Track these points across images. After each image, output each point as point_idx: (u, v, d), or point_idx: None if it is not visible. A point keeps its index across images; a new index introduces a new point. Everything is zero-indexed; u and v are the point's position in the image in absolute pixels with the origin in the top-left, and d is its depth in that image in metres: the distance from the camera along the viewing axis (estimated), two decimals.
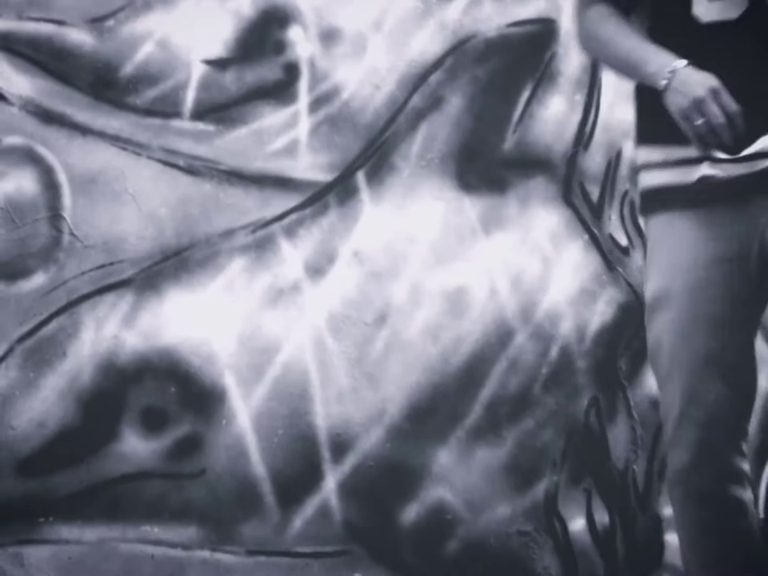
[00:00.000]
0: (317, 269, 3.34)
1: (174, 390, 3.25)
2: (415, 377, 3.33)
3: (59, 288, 3.23)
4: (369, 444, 3.30)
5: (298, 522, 3.27)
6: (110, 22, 3.31)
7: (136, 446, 3.22)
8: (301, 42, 3.37)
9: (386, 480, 3.30)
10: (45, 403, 3.20)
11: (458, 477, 3.31)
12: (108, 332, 3.24)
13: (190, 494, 3.24)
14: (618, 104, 3.44)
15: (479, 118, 3.38)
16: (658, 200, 2.21)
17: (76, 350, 3.22)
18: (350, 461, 3.29)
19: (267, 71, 3.35)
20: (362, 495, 3.29)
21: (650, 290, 2.23)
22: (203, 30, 3.34)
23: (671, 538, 3.31)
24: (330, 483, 3.28)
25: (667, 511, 3.32)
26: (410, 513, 3.30)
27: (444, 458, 3.31)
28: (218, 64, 3.33)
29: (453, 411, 3.34)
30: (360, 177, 3.37)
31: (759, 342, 3.23)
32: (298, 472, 3.28)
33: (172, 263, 3.28)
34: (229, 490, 3.25)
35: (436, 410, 3.33)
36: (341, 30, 3.40)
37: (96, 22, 3.30)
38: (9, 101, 3.24)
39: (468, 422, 3.34)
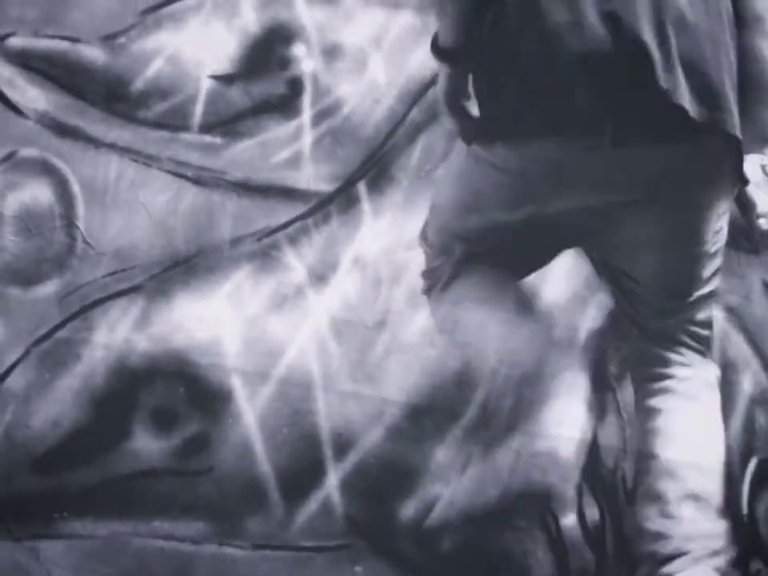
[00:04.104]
0: (320, 275, 3.36)
1: (183, 391, 3.29)
2: (414, 378, 3.33)
3: (73, 293, 3.30)
4: (369, 442, 3.31)
5: (301, 517, 3.28)
6: (122, 39, 3.37)
7: (147, 445, 3.26)
8: (304, 58, 3.42)
9: (386, 477, 3.30)
10: (60, 403, 3.26)
11: (455, 474, 3.31)
12: (120, 335, 3.29)
13: (199, 491, 3.26)
14: None
15: None
16: None
17: (89, 352, 3.27)
18: (351, 458, 3.30)
19: (272, 86, 3.41)
20: (363, 491, 3.30)
21: None
22: (211, 46, 3.40)
23: None
24: (333, 480, 3.29)
25: None
26: (409, 508, 3.29)
27: (441, 456, 3.31)
28: (225, 79, 3.39)
29: (450, 411, 3.33)
30: (361, 187, 3.40)
31: (741, 344, 3.34)
32: (301, 469, 3.29)
33: (181, 270, 3.34)
34: (235, 487, 3.27)
35: (434, 410, 3.33)
36: (342, 46, 3.45)
37: (108, 39, 3.37)
38: (25, 114, 3.32)
39: (464, 421, 3.33)
